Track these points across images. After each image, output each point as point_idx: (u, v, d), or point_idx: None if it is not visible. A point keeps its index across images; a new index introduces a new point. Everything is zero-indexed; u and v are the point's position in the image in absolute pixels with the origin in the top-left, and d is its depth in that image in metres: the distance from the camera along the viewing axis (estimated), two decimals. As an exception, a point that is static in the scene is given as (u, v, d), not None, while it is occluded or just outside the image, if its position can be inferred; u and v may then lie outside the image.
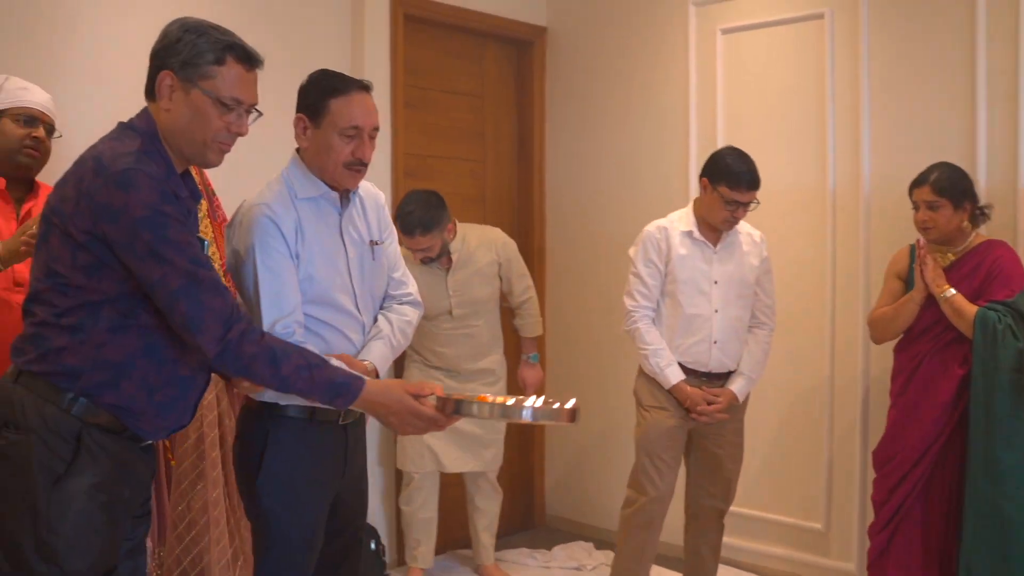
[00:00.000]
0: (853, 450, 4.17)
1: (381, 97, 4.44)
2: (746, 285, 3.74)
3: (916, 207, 3.55)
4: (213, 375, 2.46)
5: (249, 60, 2.17)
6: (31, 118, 3.00)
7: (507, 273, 4.39)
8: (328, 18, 4.38)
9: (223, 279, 2.21)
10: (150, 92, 2.16)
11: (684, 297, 3.69)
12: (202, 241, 2.24)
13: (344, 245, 2.62)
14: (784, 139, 4.37)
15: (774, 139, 4.39)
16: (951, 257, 3.53)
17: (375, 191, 2.80)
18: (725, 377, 3.75)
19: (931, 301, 3.49)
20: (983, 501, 3.30)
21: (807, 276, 4.30)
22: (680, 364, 3.69)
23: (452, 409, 2.33)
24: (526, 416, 2.32)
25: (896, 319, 3.60)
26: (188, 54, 2.10)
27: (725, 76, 4.56)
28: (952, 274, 3.49)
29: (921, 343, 3.56)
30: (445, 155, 4.98)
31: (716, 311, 3.69)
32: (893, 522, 3.55)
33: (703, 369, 3.71)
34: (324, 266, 2.56)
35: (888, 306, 3.65)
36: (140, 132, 2.12)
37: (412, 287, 2.81)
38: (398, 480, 4.49)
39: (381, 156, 4.47)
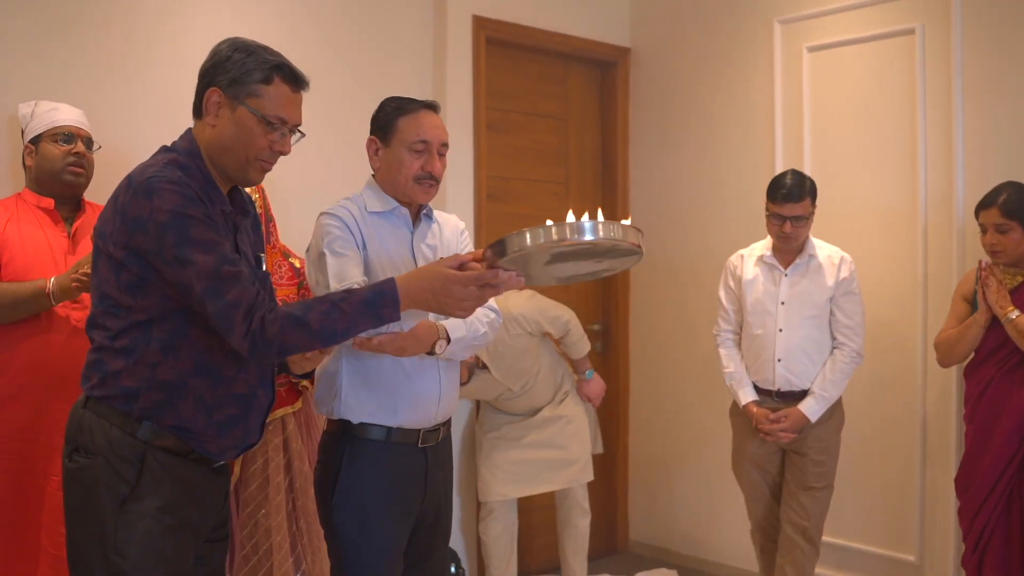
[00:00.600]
0: (947, 478, 4.00)
1: (463, 120, 4.48)
2: (817, 306, 3.73)
3: (984, 230, 3.50)
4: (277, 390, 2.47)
5: (296, 81, 2.20)
6: (69, 135, 3.04)
7: (541, 329, 4.29)
8: (410, 43, 4.43)
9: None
10: (197, 110, 2.19)
11: (751, 317, 3.84)
12: (244, 255, 2.23)
13: (414, 260, 2.66)
14: (874, 159, 4.25)
15: (864, 159, 4.27)
16: (1020, 278, 3.46)
17: (456, 220, 2.86)
18: (800, 396, 3.73)
19: (996, 324, 3.43)
20: None
21: (898, 299, 4.16)
22: (754, 384, 3.82)
23: (498, 252, 2.01)
24: (586, 234, 1.97)
25: (960, 342, 3.55)
26: (236, 72, 2.12)
27: (812, 95, 4.46)
28: (1018, 295, 3.43)
29: (986, 367, 3.50)
30: (528, 177, 4.98)
31: (780, 330, 3.75)
32: (978, 550, 3.47)
33: (771, 387, 3.78)
34: (388, 275, 2.57)
35: (953, 329, 3.61)
36: (179, 151, 2.16)
37: (491, 300, 2.78)
38: (479, 505, 4.48)
39: (464, 178, 4.50)
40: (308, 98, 2.29)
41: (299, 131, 2.23)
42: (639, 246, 2.07)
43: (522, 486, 4.26)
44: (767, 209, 3.75)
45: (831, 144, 4.40)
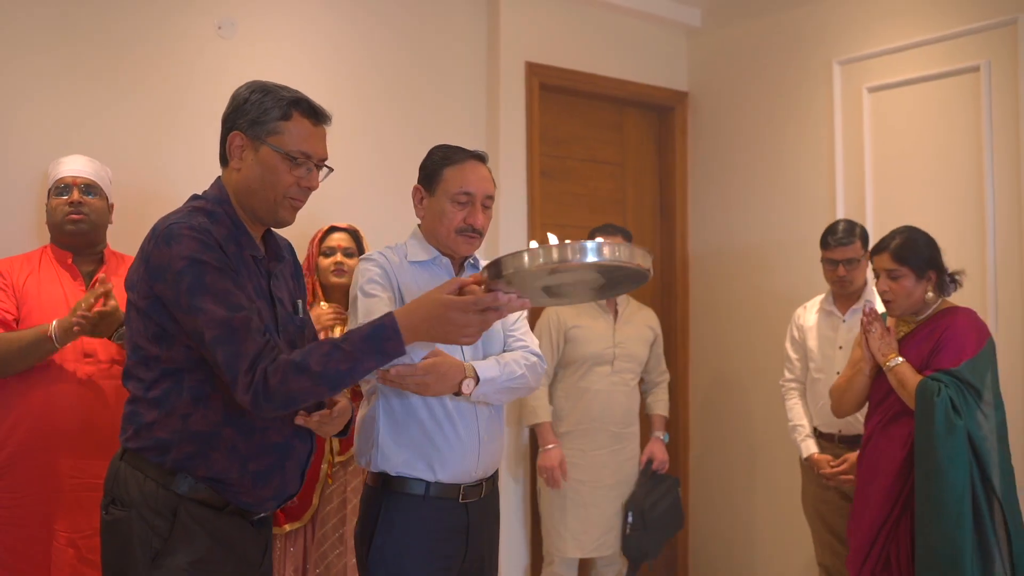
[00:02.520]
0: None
1: (516, 167, 4.46)
2: None
3: (876, 275, 3.36)
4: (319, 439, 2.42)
5: (315, 115, 2.17)
6: (65, 186, 3.04)
7: (656, 349, 4.41)
8: (464, 90, 4.43)
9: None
10: (223, 158, 2.18)
11: (812, 363, 3.95)
12: (278, 300, 2.19)
13: None
14: (939, 201, 4.10)
15: (928, 202, 4.13)
16: (911, 326, 3.33)
17: None
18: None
19: (883, 374, 3.29)
20: None
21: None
22: (817, 429, 3.90)
23: (494, 273, 1.92)
24: (590, 255, 1.88)
25: (847, 390, 3.43)
26: (255, 112, 2.11)
27: (873, 136, 4.34)
28: (907, 342, 3.30)
29: (874, 417, 3.35)
30: (585, 224, 4.90)
31: (838, 373, 3.71)
32: None
33: (832, 431, 3.83)
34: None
35: (843, 378, 3.48)
36: (207, 198, 2.14)
37: (532, 344, 2.72)
38: (539, 557, 4.40)
39: (518, 226, 4.47)
40: (363, 145, 2.27)
41: (326, 166, 2.20)
42: (647, 269, 1.99)
43: (583, 545, 4.16)
44: (822, 257, 3.89)
45: (894, 187, 4.27)
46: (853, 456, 3.63)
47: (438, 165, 2.61)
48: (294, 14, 3.90)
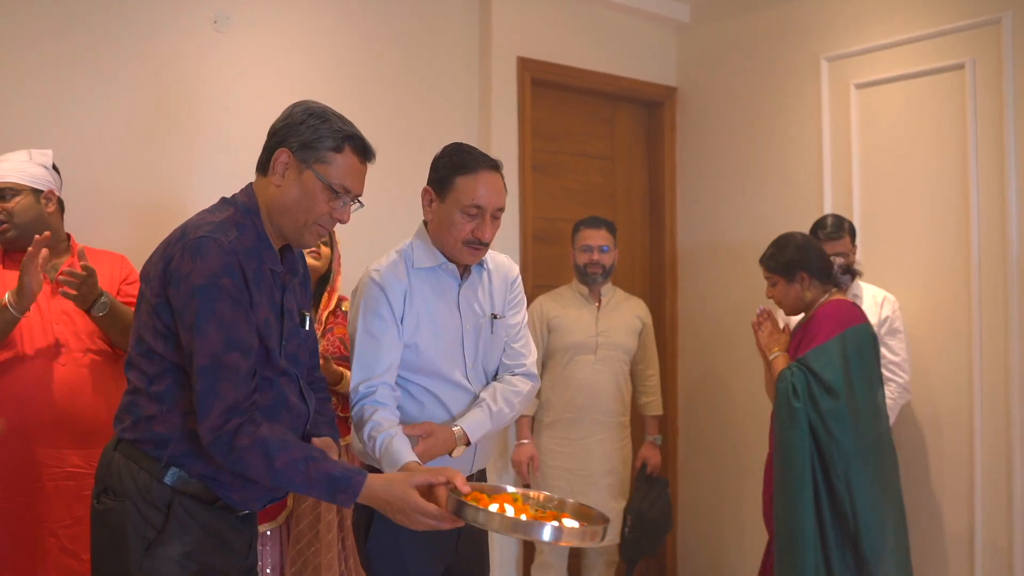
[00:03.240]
0: (1002, 516, 3.90)
1: (508, 161, 4.48)
2: None
3: (767, 281, 3.62)
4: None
5: (365, 153, 2.21)
6: None
7: (645, 339, 4.42)
8: (456, 85, 4.47)
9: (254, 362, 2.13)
10: (263, 166, 2.20)
11: None
12: (288, 312, 2.23)
13: (460, 316, 2.63)
14: (924, 196, 4.17)
15: (914, 196, 4.20)
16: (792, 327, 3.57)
17: (509, 265, 2.81)
18: None
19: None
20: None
21: (950, 342, 4.06)
22: None
23: (458, 512, 2.05)
24: (544, 535, 2.04)
25: (766, 386, 3.58)
26: (309, 136, 2.13)
27: (860, 132, 4.40)
28: (793, 338, 3.54)
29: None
30: (575, 218, 4.94)
31: None
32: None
33: None
34: (433, 336, 2.58)
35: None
36: (238, 205, 2.16)
37: (530, 359, 2.77)
38: (530, 547, 4.44)
39: (509, 219, 4.50)
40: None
41: (359, 201, 2.24)
42: (596, 543, 2.15)
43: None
44: None
45: (880, 182, 4.33)
46: None
47: (451, 171, 2.56)
48: (288, 9, 3.93)
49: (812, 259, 3.52)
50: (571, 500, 2.31)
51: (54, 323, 2.93)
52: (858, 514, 3.23)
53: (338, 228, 3.77)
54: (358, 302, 2.59)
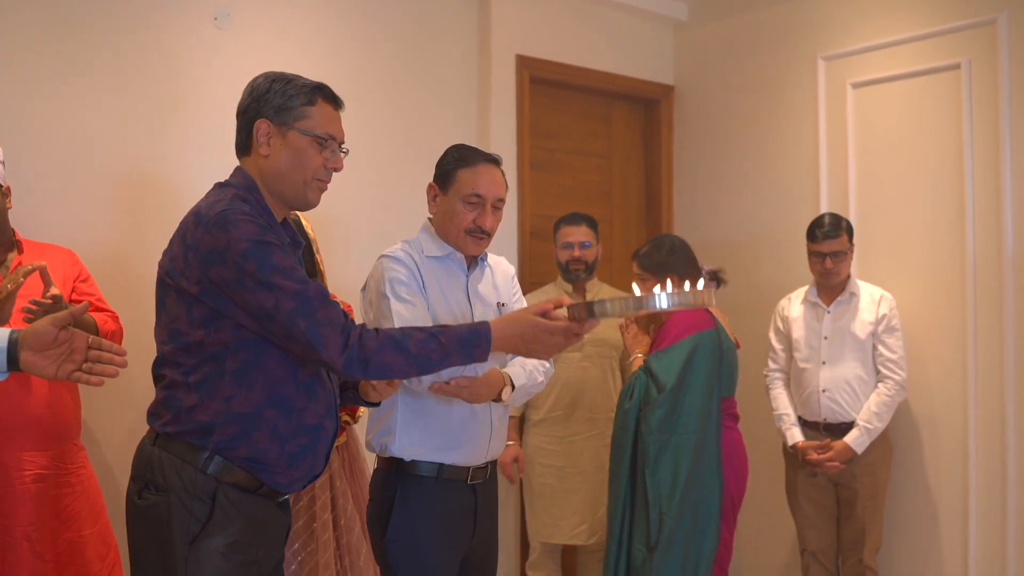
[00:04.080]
0: (997, 514, 3.93)
1: (507, 158, 4.45)
2: (859, 341, 3.95)
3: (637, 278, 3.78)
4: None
5: (335, 100, 2.26)
6: None
7: None
8: (454, 82, 4.48)
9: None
10: (243, 148, 2.24)
11: (797, 353, 4.08)
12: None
13: (470, 302, 2.71)
14: (920, 195, 4.20)
15: (910, 195, 4.23)
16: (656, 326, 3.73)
17: (507, 265, 2.92)
18: (847, 430, 3.90)
19: None
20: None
21: (946, 340, 4.09)
22: (801, 418, 4.04)
23: (585, 313, 2.17)
24: (661, 303, 2.16)
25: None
26: (280, 100, 2.18)
27: (856, 131, 4.43)
28: (656, 338, 3.70)
29: None
30: (572, 215, 5.00)
31: (824, 363, 3.97)
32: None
33: (817, 419, 3.98)
34: (448, 318, 2.65)
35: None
36: (235, 186, 2.19)
37: None
38: (526, 545, 4.46)
39: (507, 216, 4.49)
40: (353, 137, 2.34)
41: (344, 149, 2.28)
42: (710, 304, 2.26)
43: (564, 531, 4.22)
44: (808, 250, 4.03)
45: (876, 180, 4.36)
46: (838, 443, 3.85)
47: (453, 166, 2.70)
48: (288, 6, 3.94)
49: (681, 263, 3.74)
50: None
51: (15, 325, 2.82)
52: (660, 506, 3.45)
53: (338, 228, 3.83)
54: (378, 282, 2.64)
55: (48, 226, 3.26)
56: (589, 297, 4.29)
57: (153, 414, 2.15)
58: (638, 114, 5.32)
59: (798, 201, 4.65)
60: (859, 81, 4.41)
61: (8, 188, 2.99)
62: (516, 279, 2.91)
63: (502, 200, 2.72)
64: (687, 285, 2.25)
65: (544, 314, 2.20)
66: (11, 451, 2.83)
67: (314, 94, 2.21)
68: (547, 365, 2.80)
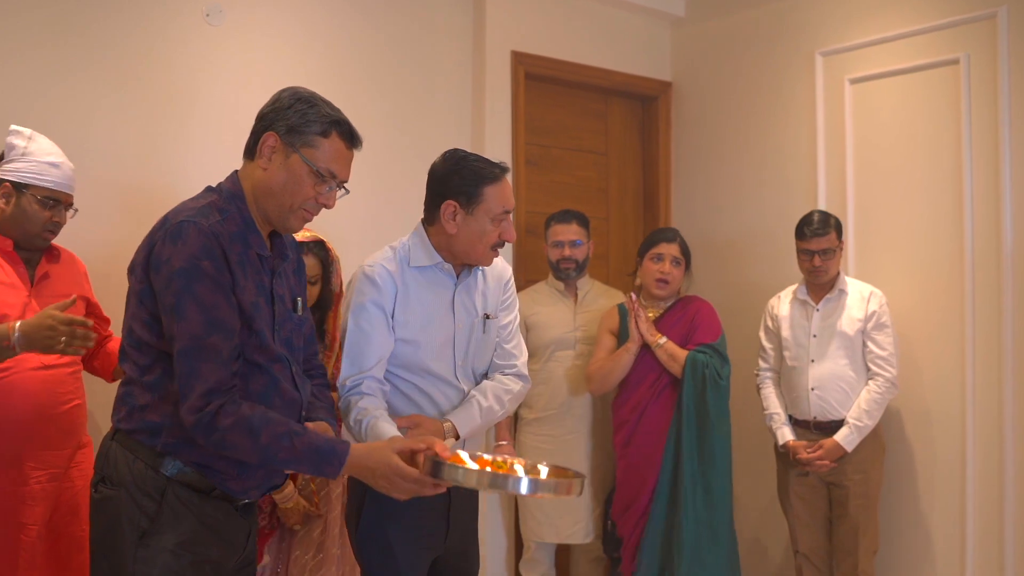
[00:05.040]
0: (995, 513, 3.90)
1: (502, 155, 4.49)
2: (848, 338, 3.93)
3: (659, 259, 3.98)
4: None
5: (351, 139, 2.22)
6: (56, 201, 2.88)
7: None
8: (449, 78, 4.46)
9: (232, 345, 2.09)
10: (250, 150, 2.21)
11: (787, 351, 4.07)
12: (278, 297, 2.22)
13: (453, 315, 2.66)
14: (919, 191, 4.17)
15: (908, 191, 4.19)
16: (654, 313, 3.99)
17: (503, 266, 2.84)
18: (837, 428, 3.88)
19: (643, 354, 3.90)
20: (700, 519, 3.79)
21: (943, 338, 4.06)
22: (791, 416, 4.03)
23: (435, 473, 2.05)
24: (522, 488, 2.07)
25: (614, 370, 3.94)
26: (296, 120, 2.14)
27: (854, 127, 4.40)
28: (660, 325, 3.95)
29: (639, 393, 3.93)
30: (568, 212, 4.97)
31: (812, 361, 3.96)
32: (635, 557, 3.90)
33: (807, 417, 3.97)
34: (425, 333, 2.61)
35: (605, 359, 3.99)
36: (222, 192, 2.17)
37: (521, 361, 2.82)
38: (520, 544, 4.44)
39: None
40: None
41: (345, 187, 2.24)
42: (575, 495, 2.13)
43: (560, 531, 4.20)
44: (797, 248, 4.02)
45: (874, 177, 4.33)
46: (828, 442, 3.84)
47: (477, 183, 2.58)
48: (280, 2, 3.92)
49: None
50: (547, 463, 2.32)
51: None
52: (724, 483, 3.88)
53: (331, 226, 3.80)
54: (350, 297, 2.61)
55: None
56: (580, 296, 4.28)
57: (114, 408, 2.16)
58: (635, 111, 5.29)
59: (796, 197, 4.62)
60: (857, 77, 4.37)
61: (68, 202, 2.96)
62: (511, 282, 2.85)
63: (511, 211, 2.68)
64: (544, 471, 2.24)
65: (412, 454, 2.10)
66: (31, 451, 2.83)
67: (331, 127, 2.17)
68: (517, 387, 2.75)
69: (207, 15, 3.69)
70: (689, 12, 5.18)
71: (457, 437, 2.58)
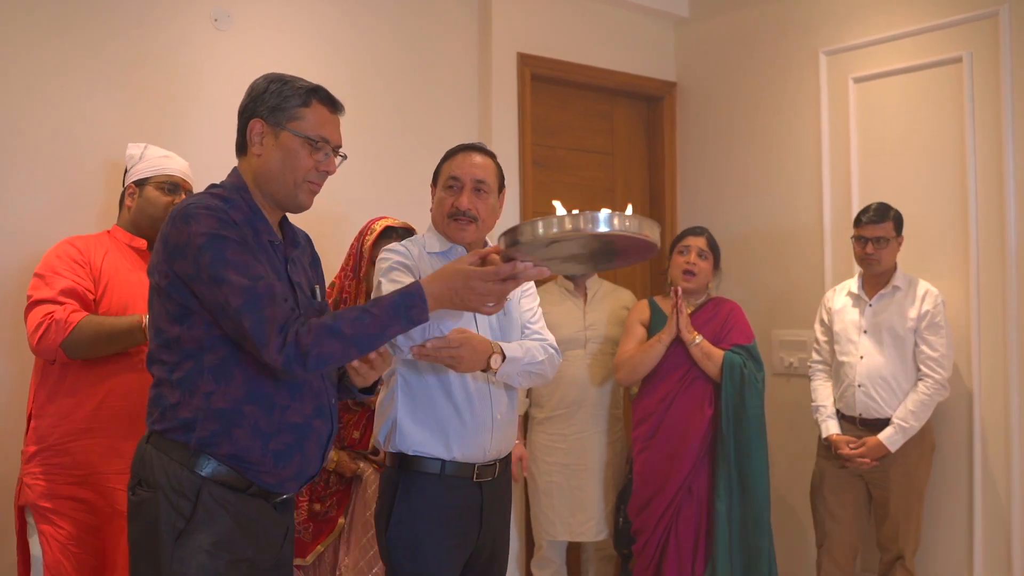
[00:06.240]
0: (1004, 506, 3.92)
1: (509, 157, 4.51)
2: (899, 336, 3.89)
3: (686, 251, 4.00)
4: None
5: (332, 103, 2.26)
6: (174, 185, 3.07)
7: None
8: (456, 80, 4.49)
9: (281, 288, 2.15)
10: (240, 148, 2.25)
11: (837, 345, 4.05)
12: (297, 285, 2.25)
13: None
14: (923, 189, 4.19)
15: (913, 189, 4.21)
16: (689, 310, 3.97)
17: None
18: (883, 426, 3.86)
19: (672, 349, 3.89)
20: (734, 518, 3.80)
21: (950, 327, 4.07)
22: (839, 411, 4.01)
23: (510, 242, 2.00)
24: (600, 224, 1.96)
25: (644, 360, 3.93)
26: (275, 100, 2.19)
27: (859, 126, 4.42)
28: (694, 321, 3.94)
29: (666, 386, 3.92)
30: (575, 212, 4.99)
31: (862, 357, 3.93)
32: (655, 559, 3.90)
33: (853, 413, 3.94)
34: (447, 314, 2.60)
35: (635, 349, 3.98)
36: (225, 186, 2.21)
37: (549, 338, 2.84)
38: (531, 543, 4.46)
39: (510, 215, 4.53)
40: (355, 136, 2.36)
41: (342, 154, 2.28)
42: (654, 241, 2.06)
43: (572, 528, 4.22)
44: (853, 236, 4.00)
45: (879, 175, 4.35)
46: (872, 440, 3.82)
47: (441, 162, 2.78)
48: (288, 6, 3.95)
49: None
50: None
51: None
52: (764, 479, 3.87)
53: (340, 223, 3.84)
54: (377, 276, 2.67)
55: (42, 226, 3.28)
56: (590, 295, 4.30)
57: (148, 412, 2.17)
58: (640, 111, 5.32)
59: (801, 196, 4.65)
60: (861, 75, 4.40)
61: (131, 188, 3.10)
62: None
63: (483, 182, 2.70)
64: (629, 209, 2.08)
65: (482, 261, 2.14)
66: (130, 441, 2.74)
67: (309, 96, 2.21)
68: (551, 350, 2.77)
69: (215, 20, 3.73)
70: (693, 12, 5.21)
71: (504, 357, 2.58)
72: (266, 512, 2.18)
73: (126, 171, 3.11)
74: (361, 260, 3.32)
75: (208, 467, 2.08)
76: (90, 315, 2.78)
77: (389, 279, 2.59)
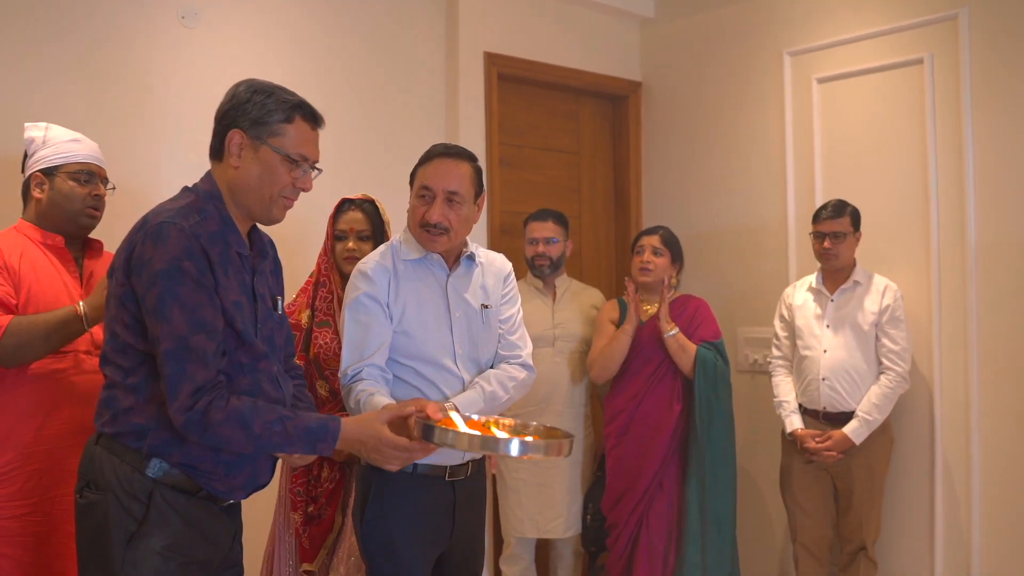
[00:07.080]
0: (961, 497, 3.99)
1: (476, 156, 4.49)
2: (861, 330, 3.96)
3: (641, 251, 4.10)
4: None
5: (314, 119, 2.25)
6: (90, 174, 2.79)
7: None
8: (423, 80, 4.48)
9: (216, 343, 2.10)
10: (216, 152, 2.22)
11: (800, 340, 4.10)
12: (260, 296, 2.24)
13: (448, 303, 2.68)
14: (885, 188, 4.26)
15: (875, 188, 4.28)
16: (651, 307, 4.06)
17: (502, 262, 2.88)
18: (847, 420, 3.91)
19: (640, 346, 3.97)
20: (704, 508, 3.87)
21: (911, 325, 4.11)
22: (801, 405, 4.07)
23: (426, 436, 2.10)
24: (512, 450, 2.13)
25: (613, 353, 3.99)
26: (258, 113, 2.15)
27: (822, 126, 4.48)
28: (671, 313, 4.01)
29: (636, 384, 4.00)
30: (541, 211, 5.01)
31: (825, 351, 3.98)
32: (625, 553, 3.98)
33: (817, 407, 4.00)
34: (420, 323, 2.63)
35: (604, 345, 4.05)
36: (199, 192, 2.18)
37: (526, 352, 2.83)
38: (500, 540, 4.47)
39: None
40: (323, 135, 2.33)
41: (317, 168, 2.27)
42: (564, 455, 2.22)
43: (539, 526, 4.23)
44: (811, 232, 4.08)
45: (842, 174, 4.41)
46: (836, 433, 3.88)
47: (416, 167, 2.72)
48: (256, 4, 3.93)
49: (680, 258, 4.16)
50: (536, 423, 2.41)
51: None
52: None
53: (304, 228, 3.82)
54: (347, 293, 2.66)
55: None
56: (559, 293, 4.32)
57: (97, 413, 2.16)
58: (606, 110, 5.35)
59: (765, 195, 4.70)
60: (824, 76, 4.46)
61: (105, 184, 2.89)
62: (511, 277, 2.87)
63: (455, 193, 2.64)
64: (530, 436, 2.32)
65: (403, 420, 2.17)
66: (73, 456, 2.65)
67: (293, 112, 2.19)
68: (522, 375, 2.77)
69: (182, 17, 3.70)
70: (658, 12, 5.25)
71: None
72: (215, 514, 2.19)
73: (26, 156, 2.81)
74: (327, 238, 3.32)
75: (159, 470, 2.08)
76: (17, 316, 2.57)
77: (355, 320, 2.59)
